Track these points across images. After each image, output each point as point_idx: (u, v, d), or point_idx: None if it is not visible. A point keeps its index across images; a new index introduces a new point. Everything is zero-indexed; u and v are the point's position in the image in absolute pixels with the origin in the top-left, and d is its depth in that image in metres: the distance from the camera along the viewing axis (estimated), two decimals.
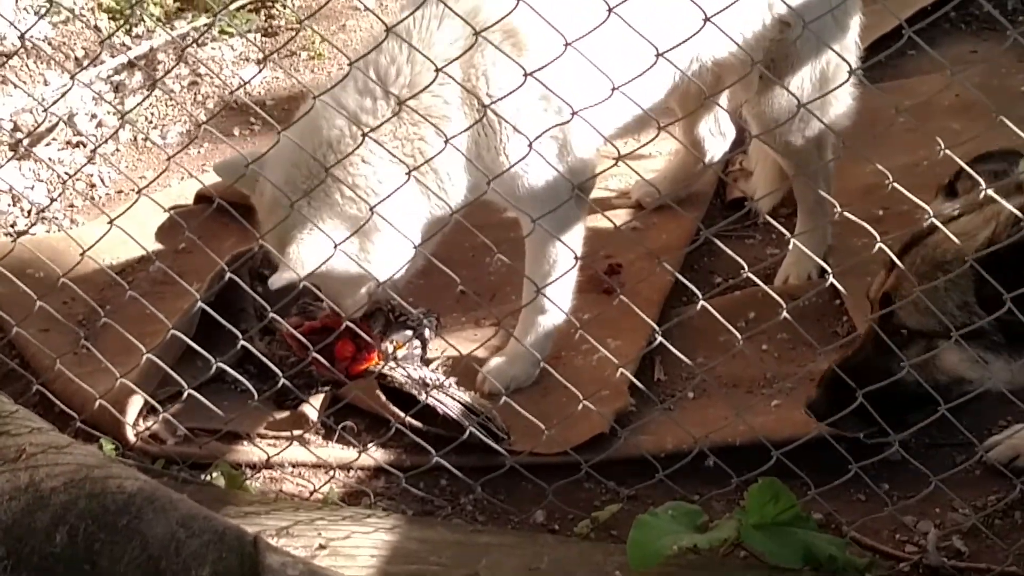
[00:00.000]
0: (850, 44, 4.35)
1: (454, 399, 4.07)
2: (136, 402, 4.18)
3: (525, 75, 3.26)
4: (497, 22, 3.53)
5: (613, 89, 3.17)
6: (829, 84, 4.29)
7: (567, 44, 3.14)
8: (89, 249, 4.06)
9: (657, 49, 3.08)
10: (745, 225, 4.95)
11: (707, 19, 2.99)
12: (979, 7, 6.28)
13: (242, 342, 3.95)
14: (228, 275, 3.97)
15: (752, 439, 3.90)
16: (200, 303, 4.00)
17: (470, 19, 3.55)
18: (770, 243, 4.92)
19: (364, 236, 3.92)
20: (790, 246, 4.57)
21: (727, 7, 3.02)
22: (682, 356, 4.07)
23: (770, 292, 3.76)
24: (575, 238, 4.16)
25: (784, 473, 3.64)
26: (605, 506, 3.88)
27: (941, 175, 4.85)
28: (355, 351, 4.31)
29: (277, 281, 3.91)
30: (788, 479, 3.75)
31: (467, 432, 3.90)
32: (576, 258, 3.88)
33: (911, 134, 5.14)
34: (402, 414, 4.02)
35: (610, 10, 2.98)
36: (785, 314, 3.48)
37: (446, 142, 3.66)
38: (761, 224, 4.94)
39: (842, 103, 4.42)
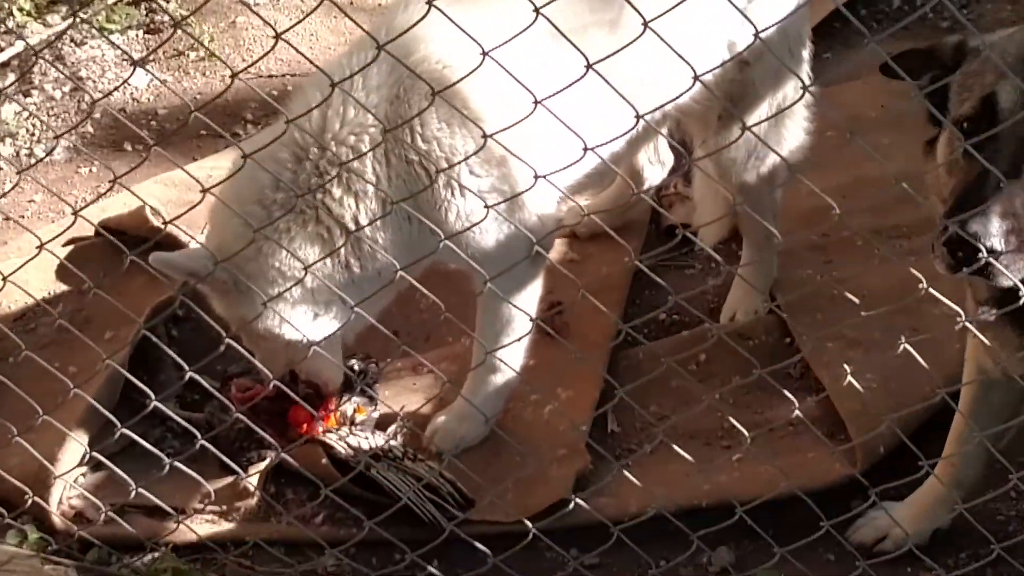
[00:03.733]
0: (803, 77, 4.20)
1: (408, 473, 3.85)
2: (59, 484, 3.87)
3: (484, 137, 2.99)
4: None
5: (585, 150, 2.92)
6: (784, 119, 4.14)
7: (536, 102, 2.87)
8: (11, 275, 3.60)
9: (636, 110, 2.85)
10: (683, 253, 4.78)
11: (696, 77, 2.74)
12: (888, 4, 6.18)
13: (155, 403, 3.55)
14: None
15: (719, 499, 3.77)
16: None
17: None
18: (710, 272, 4.76)
19: (251, 284, 3.67)
20: (735, 281, 4.46)
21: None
22: (642, 411, 3.95)
23: (725, 339, 3.63)
24: (531, 298, 3.95)
25: (750, 534, 3.53)
26: None
27: (876, 195, 4.80)
28: (309, 416, 4.00)
29: (155, 258, 3.64)
30: (754, 540, 3.67)
31: (401, 503, 3.68)
32: (532, 320, 3.69)
33: (840, 151, 5.01)
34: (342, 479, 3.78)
35: (588, 66, 2.66)
36: (758, 372, 3.31)
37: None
38: (700, 252, 4.78)
39: (795, 137, 4.27)
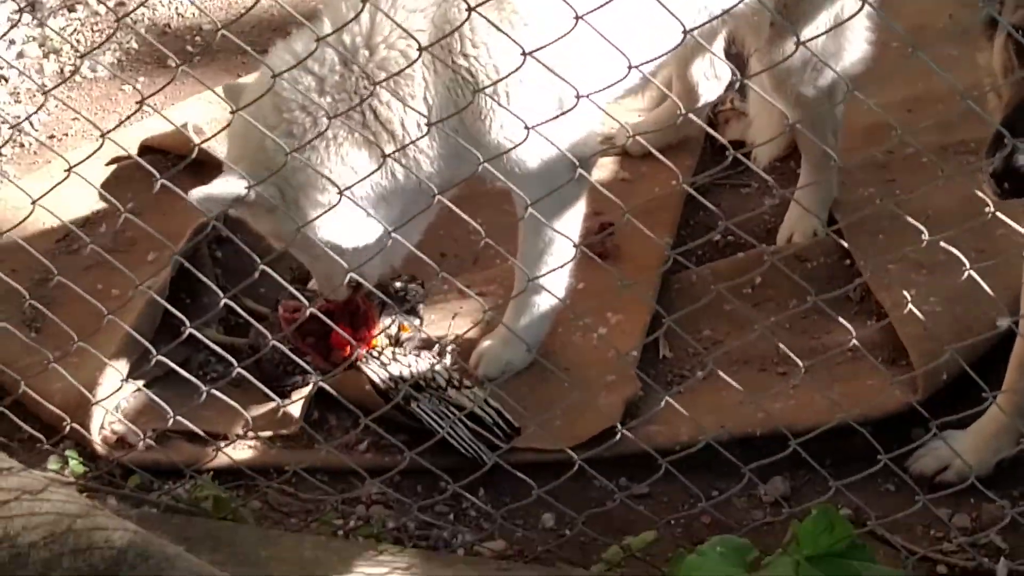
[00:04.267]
0: None
1: (451, 403, 3.75)
2: (99, 410, 3.81)
3: (524, 54, 2.87)
4: None
5: (629, 68, 2.80)
6: (844, 30, 3.95)
7: (578, 17, 2.74)
8: (40, 199, 3.48)
9: (683, 24, 2.70)
10: (739, 171, 4.61)
11: None
12: None
13: (190, 328, 3.47)
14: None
15: (773, 428, 3.64)
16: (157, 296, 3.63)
17: None
18: (767, 192, 4.59)
19: (300, 194, 3.57)
20: (793, 199, 4.30)
21: None
22: (693, 340, 3.82)
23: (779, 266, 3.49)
24: (574, 221, 3.81)
25: (805, 463, 3.41)
26: (621, 510, 3.60)
27: (943, 110, 4.61)
28: (352, 335, 3.88)
29: (195, 194, 3.50)
30: (810, 469, 3.55)
31: (438, 437, 3.62)
32: (575, 245, 3.56)
33: (907, 62, 4.81)
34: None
35: None
36: (813, 299, 3.18)
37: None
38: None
39: (857, 48, 4.09)
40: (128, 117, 4.36)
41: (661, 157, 3.25)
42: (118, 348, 3.94)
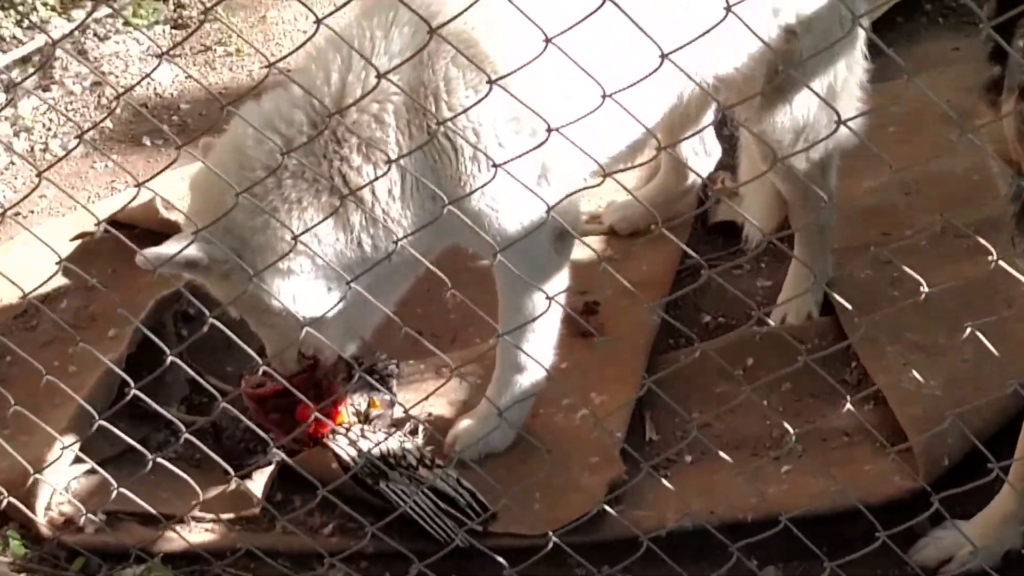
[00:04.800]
0: (858, 55, 3.86)
1: (423, 483, 3.53)
2: (47, 489, 3.57)
3: (490, 82, 2.69)
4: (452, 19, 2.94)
5: (604, 97, 2.62)
6: (837, 99, 3.80)
7: (547, 40, 2.56)
8: None
9: (662, 50, 2.53)
10: (731, 253, 4.44)
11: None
12: None
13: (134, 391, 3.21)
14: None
15: (766, 513, 3.41)
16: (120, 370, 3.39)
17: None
18: (760, 274, 4.41)
19: (258, 258, 3.35)
20: (786, 280, 4.13)
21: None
22: (680, 410, 3.60)
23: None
24: (557, 287, 3.61)
25: (800, 552, 3.25)
26: None
27: (942, 193, 4.46)
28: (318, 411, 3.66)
29: (150, 253, 3.29)
30: (805, 559, 3.37)
31: (399, 513, 3.39)
32: (555, 300, 3.33)
33: (904, 146, 4.67)
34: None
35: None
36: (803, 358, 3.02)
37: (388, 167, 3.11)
38: (749, 253, 4.45)
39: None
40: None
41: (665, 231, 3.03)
42: (69, 423, 3.71)
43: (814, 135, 3.78)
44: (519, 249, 3.28)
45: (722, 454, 3.11)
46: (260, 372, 3.71)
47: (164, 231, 4.35)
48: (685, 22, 2.92)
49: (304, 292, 3.41)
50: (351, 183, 3.34)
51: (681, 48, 2.53)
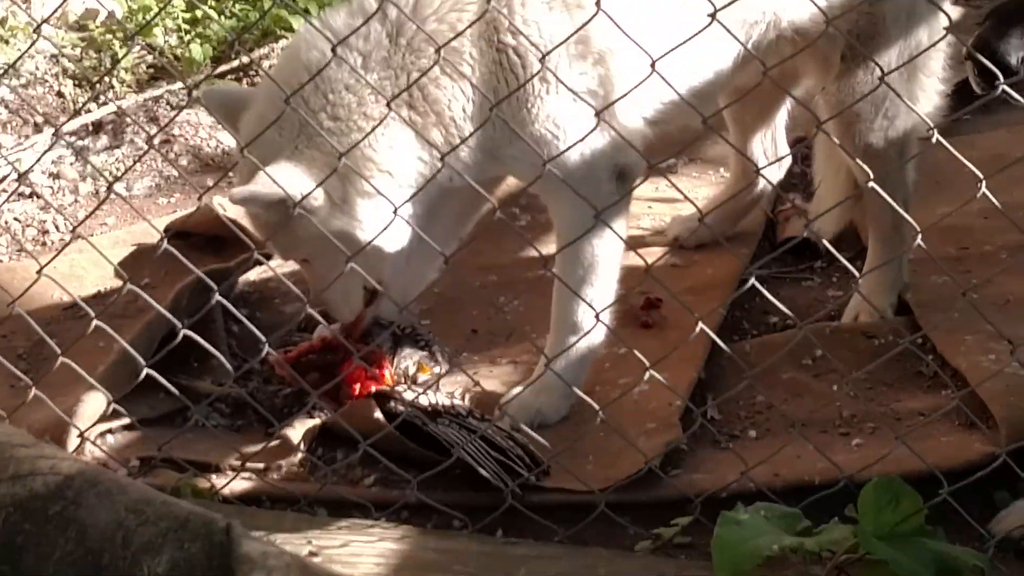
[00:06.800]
0: (939, 29, 3.78)
1: (472, 432, 3.33)
2: (74, 433, 3.42)
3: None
4: None
5: (652, 66, 2.62)
6: (917, 74, 3.71)
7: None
8: (45, 266, 3.40)
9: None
10: (800, 268, 4.29)
11: None
12: None
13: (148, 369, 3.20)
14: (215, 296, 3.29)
15: (832, 477, 3.17)
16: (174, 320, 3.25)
17: None
18: (831, 285, 4.25)
19: (346, 184, 3.26)
20: (858, 284, 3.97)
21: None
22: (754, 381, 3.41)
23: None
24: (615, 246, 3.48)
25: None
26: None
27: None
28: (363, 374, 3.49)
29: (238, 193, 3.20)
30: None
31: (453, 458, 3.20)
32: (622, 240, 3.31)
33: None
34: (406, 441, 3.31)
35: None
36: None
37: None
38: (819, 267, 4.30)
39: (930, 101, 3.83)
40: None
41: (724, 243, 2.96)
42: (108, 377, 3.57)
43: (894, 111, 3.69)
44: (578, 181, 3.18)
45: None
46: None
47: (220, 233, 4.31)
48: None
49: (387, 219, 3.27)
50: (429, 97, 3.27)
51: None
